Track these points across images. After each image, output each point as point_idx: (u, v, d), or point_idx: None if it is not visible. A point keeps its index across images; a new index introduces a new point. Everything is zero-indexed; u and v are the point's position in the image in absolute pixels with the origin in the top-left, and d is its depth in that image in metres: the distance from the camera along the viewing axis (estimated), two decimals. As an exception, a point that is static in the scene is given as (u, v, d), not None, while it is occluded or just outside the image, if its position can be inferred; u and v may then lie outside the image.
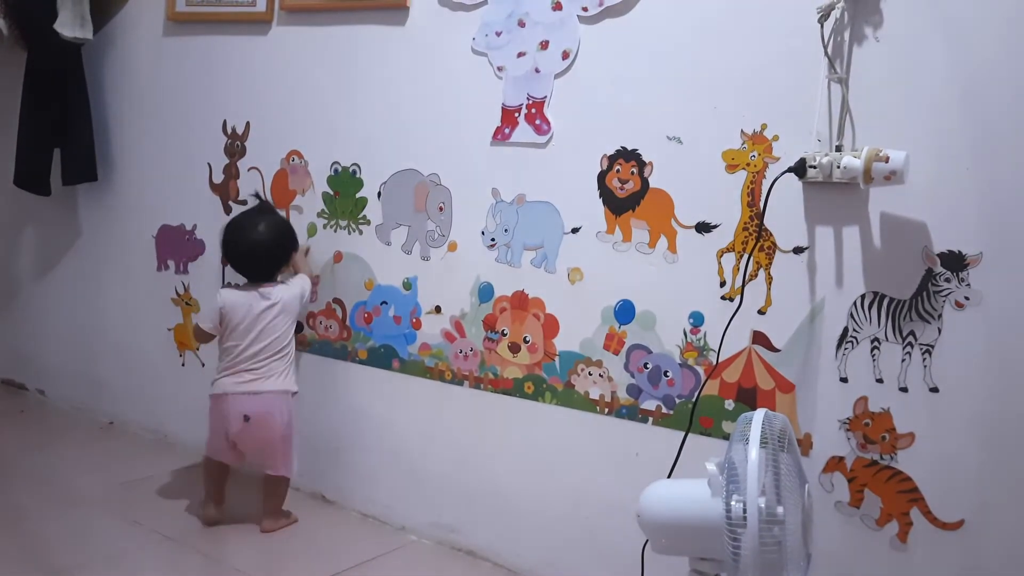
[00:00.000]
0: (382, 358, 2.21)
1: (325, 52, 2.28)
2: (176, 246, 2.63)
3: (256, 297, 2.10)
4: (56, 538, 2.02)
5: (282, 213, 2.34)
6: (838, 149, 1.58)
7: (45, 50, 2.64)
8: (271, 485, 2.15)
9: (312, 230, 2.32)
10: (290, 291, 2.15)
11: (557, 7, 1.90)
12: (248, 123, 2.44)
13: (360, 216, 2.23)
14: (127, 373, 2.79)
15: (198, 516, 2.17)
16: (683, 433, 1.71)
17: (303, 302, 2.19)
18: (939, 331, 1.52)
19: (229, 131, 2.48)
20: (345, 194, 2.26)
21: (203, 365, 2.59)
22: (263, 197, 2.33)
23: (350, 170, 2.25)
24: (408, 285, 2.16)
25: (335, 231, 2.28)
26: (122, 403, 2.81)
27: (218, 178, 2.52)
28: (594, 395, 1.89)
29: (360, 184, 2.23)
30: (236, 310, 2.10)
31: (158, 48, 2.63)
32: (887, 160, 1.46)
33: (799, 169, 1.59)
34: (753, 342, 1.71)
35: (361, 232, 2.23)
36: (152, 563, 1.95)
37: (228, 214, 2.49)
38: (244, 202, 2.44)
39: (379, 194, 2.20)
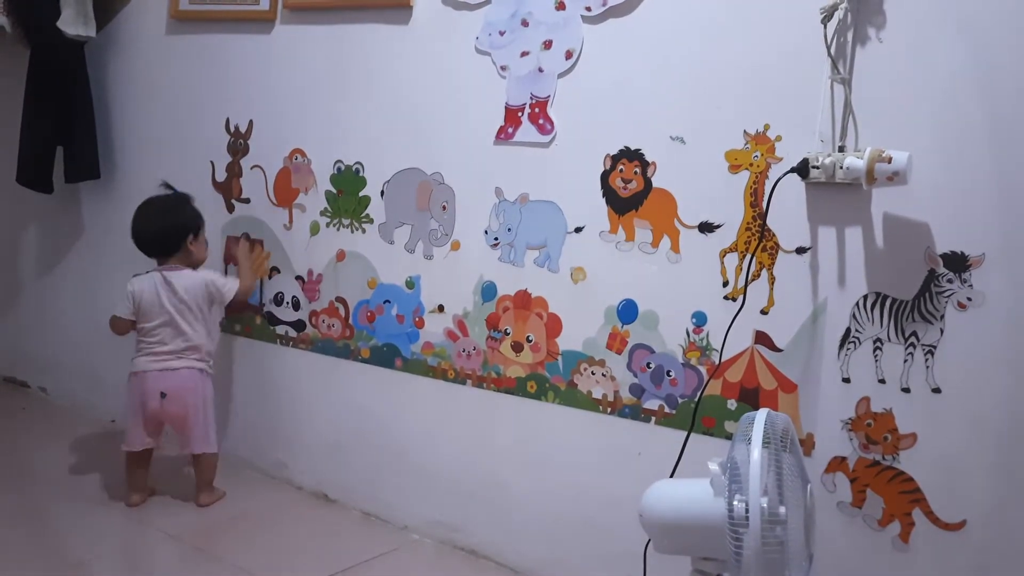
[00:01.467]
0: (385, 357, 2.21)
1: (328, 51, 2.28)
2: (179, 244, 2.63)
3: (160, 280, 2.25)
4: (59, 536, 2.02)
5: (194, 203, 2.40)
6: (841, 150, 1.58)
7: (48, 48, 2.64)
8: (199, 462, 2.26)
9: (315, 228, 2.32)
10: (192, 279, 2.26)
11: (560, 7, 1.90)
12: (251, 121, 2.45)
13: (363, 215, 2.24)
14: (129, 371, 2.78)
15: (125, 503, 2.25)
16: (685, 433, 1.71)
17: (209, 292, 2.27)
18: (941, 332, 1.52)
19: (232, 129, 2.48)
20: (348, 192, 2.26)
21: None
22: (172, 186, 2.40)
23: (353, 168, 2.25)
24: (411, 284, 2.16)
25: (338, 230, 2.28)
26: (125, 401, 2.80)
27: (221, 176, 2.52)
28: (597, 394, 1.89)
29: (363, 183, 2.23)
30: (143, 294, 2.25)
31: (161, 46, 2.63)
32: (890, 161, 1.46)
33: (802, 169, 1.59)
34: (756, 342, 1.71)
35: (364, 231, 2.24)
36: (156, 561, 1.96)
37: (231, 213, 2.50)
38: (247, 200, 2.43)
39: (382, 193, 2.20)
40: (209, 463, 2.27)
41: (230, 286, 2.31)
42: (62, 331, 2.98)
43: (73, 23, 2.57)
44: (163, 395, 2.20)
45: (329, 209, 2.30)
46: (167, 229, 2.27)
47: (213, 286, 2.28)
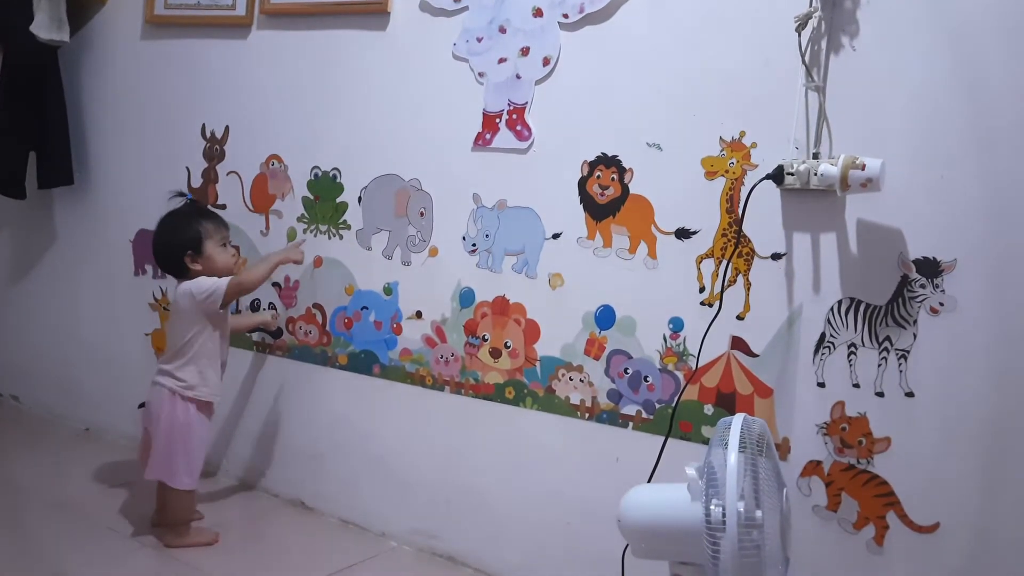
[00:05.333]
0: (363, 364, 2.21)
1: (305, 56, 2.27)
2: (154, 251, 2.61)
3: (172, 292, 2.12)
4: (31, 545, 1.99)
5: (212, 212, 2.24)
6: (815, 156, 1.60)
7: (21, 52, 2.61)
8: (161, 493, 2.08)
9: (292, 235, 2.31)
10: (185, 288, 2.03)
11: (538, 14, 1.91)
12: (227, 127, 2.43)
13: (340, 221, 2.23)
14: (104, 379, 2.76)
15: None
16: (663, 438, 1.72)
17: (195, 299, 2.00)
18: (914, 336, 1.54)
19: (208, 135, 2.47)
20: (325, 199, 2.25)
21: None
22: (185, 194, 2.28)
23: (330, 175, 2.24)
24: (389, 290, 2.16)
25: (315, 236, 2.27)
26: (99, 409, 2.78)
27: (197, 182, 2.50)
28: (575, 400, 1.90)
29: (340, 189, 2.23)
30: None
31: (136, 51, 2.61)
32: (863, 168, 1.48)
33: (777, 176, 1.61)
34: (732, 347, 1.72)
35: (341, 237, 2.23)
36: (128, 570, 1.93)
37: (207, 218, 2.48)
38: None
39: (360, 199, 2.20)
40: (172, 499, 2.04)
41: (209, 288, 2.00)
42: (35, 339, 2.94)
43: (47, 27, 2.55)
44: (141, 405, 2.12)
45: (306, 215, 2.29)
46: (162, 250, 2.09)
47: (193, 290, 2.01)
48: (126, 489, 2.36)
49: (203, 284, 2.02)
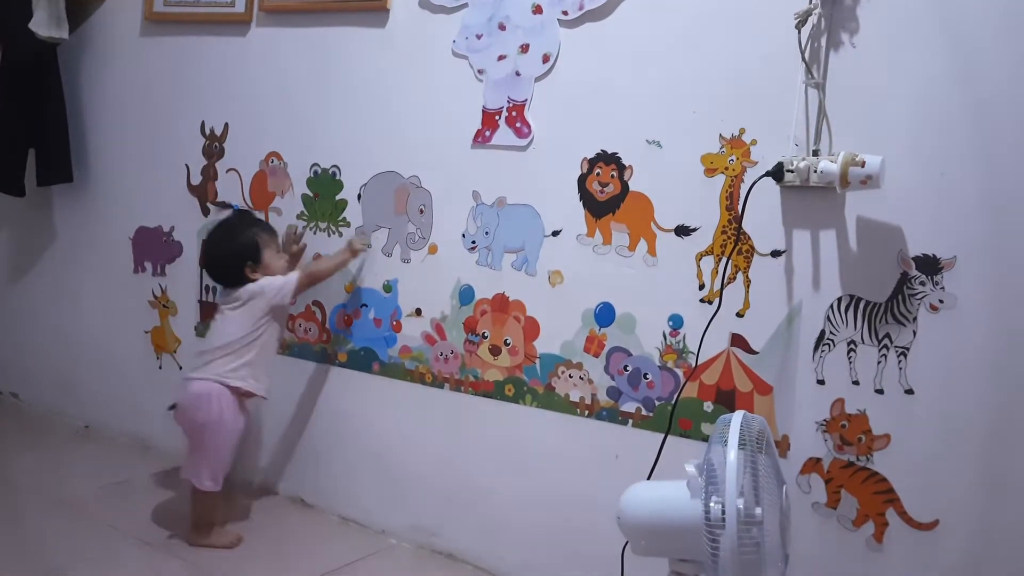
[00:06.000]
0: (362, 361, 2.20)
1: (305, 53, 2.27)
2: (153, 248, 2.61)
3: (222, 295, 2.11)
4: (31, 543, 1.99)
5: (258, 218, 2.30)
6: (815, 154, 1.60)
7: (20, 50, 2.61)
8: (193, 497, 2.06)
9: (291, 231, 2.31)
10: (253, 289, 2.04)
11: (537, 11, 1.91)
12: (227, 124, 2.43)
13: (340, 218, 2.23)
14: (103, 376, 2.76)
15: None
16: (663, 435, 1.72)
17: (267, 299, 2.03)
18: (914, 334, 1.54)
19: (207, 132, 2.46)
20: (325, 196, 2.25)
21: (180, 368, 2.57)
22: (231, 204, 2.28)
23: (330, 172, 2.24)
24: (388, 288, 2.15)
25: (314, 233, 2.27)
26: (98, 407, 2.78)
27: (196, 180, 2.50)
28: (574, 397, 1.90)
29: (340, 186, 2.22)
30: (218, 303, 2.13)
31: (135, 48, 2.60)
32: (863, 165, 1.48)
33: (777, 173, 1.61)
34: (732, 344, 1.72)
35: (341, 234, 2.23)
36: (128, 567, 1.93)
37: (206, 216, 2.48)
38: (223, 204, 2.41)
39: (359, 196, 2.19)
40: (199, 499, 2.04)
41: (280, 285, 2.05)
42: (34, 336, 2.94)
43: (46, 25, 2.54)
44: (174, 406, 2.06)
45: (306, 213, 2.29)
46: (219, 262, 2.10)
47: (268, 298, 2.03)
48: (126, 487, 2.36)
49: (274, 282, 2.06)
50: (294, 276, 2.08)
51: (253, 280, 2.06)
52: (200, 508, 2.06)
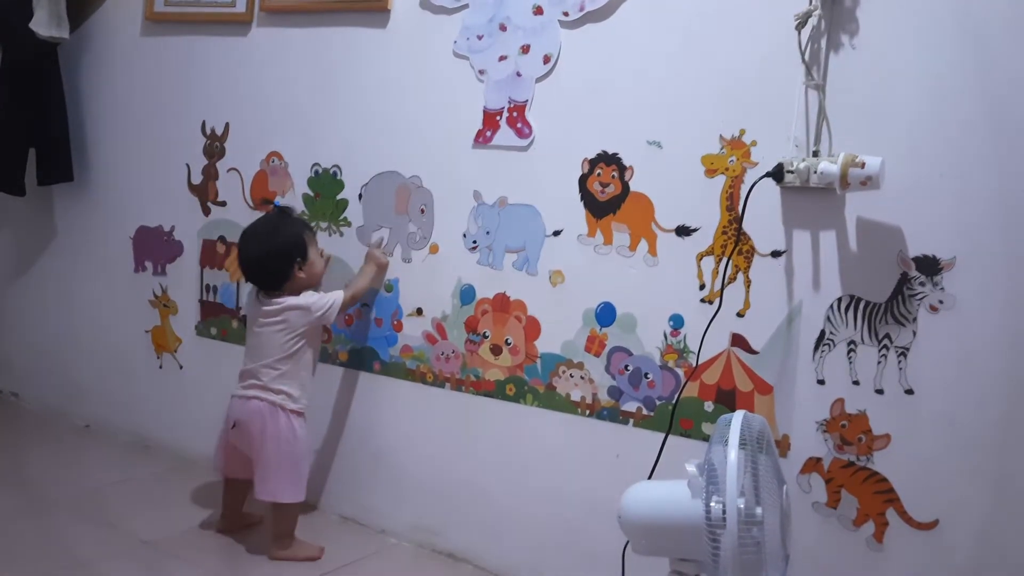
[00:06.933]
0: (363, 360, 2.21)
1: (306, 53, 2.27)
2: (154, 247, 2.61)
3: (257, 304, 2.03)
4: (31, 542, 1.99)
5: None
6: (815, 155, 1.60)
7: (20, 49, 2.60)
8: (273, 509, 2.02)
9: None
10: (297, 303, 2.00)
11: (538, 11, 1.91)
12: (227, 124, 2.43)
13: (341, 218, 2.23)
14: (104, 375, 2.76)
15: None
16: (663, 435, 1.72)
17: (312, 317, 2.00)
18: (914, 334, 1.55)
19: (208, 132, 2.46)
20: (326, 196, 2.25)
21: (181, 367, 2.57)
22: (281, 205, 2.19)
23: (331, 172, 2.24)
24: (389, 287, 2.16)
25: (315, 233, 2.26)
26: (98, 406, 2.78)
27: (196, 179, 2.50)
28: (575, 397, 1.90)
29: (341, 186, 2.23)
30: (248, 313, 2.09)
31: (136, 48, 2.61)
32: (863, 166, 1.48)
33: (777, 174, 1.61)
34: (732, 344, 1.72)
35: (342, 234, 2.23)
36: (128, 567, 1.93)
37: (207, 215, 2.48)
38: (223, 204, 2.41)
39: (360, 196, 2.20)
40: (278, 513, 2.01)
41: (329, 303, 2.01)
42: (35, 335, 2.94)
43: (46, 24, 2.54)
44: (234, 425, 2.01)
45: (307, 212, 2.29)
46: (264, 260, 2.01)
47: (312, 305, 2.00)
48: (126, 486, 2.36)
49: (323, 300, 2.02)
50: (339, 295, 2.04)
51: (299, 279, 2.01)
52: (280, 521, 2.02)
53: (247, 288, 2.13)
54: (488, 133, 1.99)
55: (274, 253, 2.00)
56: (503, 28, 1.96)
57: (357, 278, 2.12)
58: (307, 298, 2.02)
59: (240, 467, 2.05)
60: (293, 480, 2.00)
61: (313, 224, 2.26)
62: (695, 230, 1.75)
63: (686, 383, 1.76)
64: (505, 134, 1.97)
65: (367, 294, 2.15)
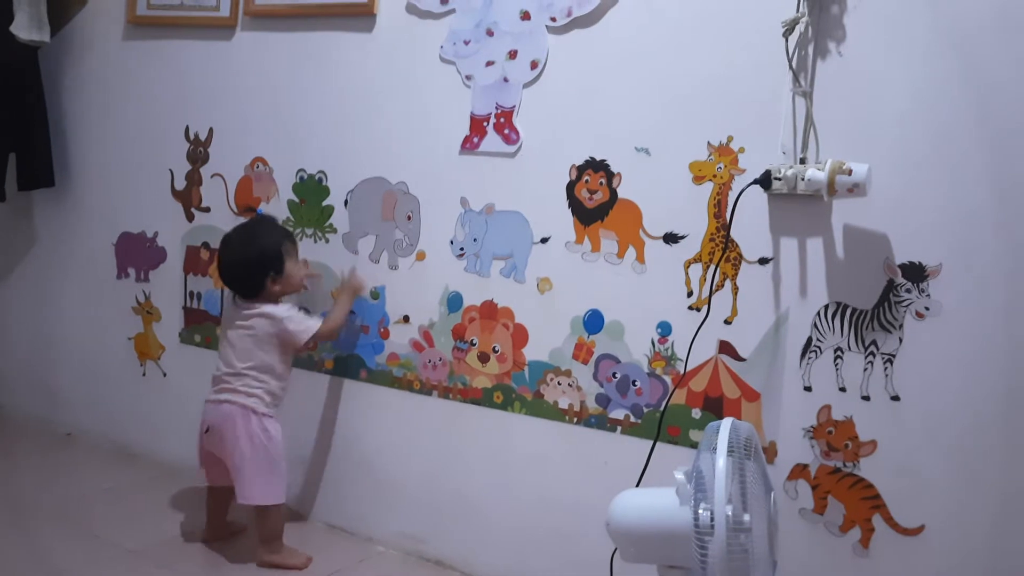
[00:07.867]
0: (349, 368, 2.19)
1: (291, 58, 2.25)
2: (137, 254, 2.58)
3: (235, 310, 2.03)
4: (12, 551, 1.96)
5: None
6: (802, 162, 1.61)
7: (0, 53, 2.57)
8: (256, 513, 2.00)
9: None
10: (272, 312, 2.00)
11: (525, 17, 1.91)
12: (211, 129, 2.41)
13: (327, 224, 2.22)
14: (86, 383, 2.73)
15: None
16: (651, 442, 1.72)
17: (282, 330, 1.99)
18: (900, 341, 1.55)
19: (192, 137, 2.44)
20: (311, 202, 2.24)
21: (164, 375, 2.55)
22: (256, 208, 2.20)
23: (316, 178, 2.23)
24: (376, 294, 2.15)
25: (301, 239, 2.25)
26: (81, 414, 2.75)
27: (180, 185, 2.48)
28: (563, 404, 1.90)
29: (326, 192, 2.21)
30: (223, 317, 2.10)
31: (118, 52, 2.58)
32: (850, 173, 1.49)
33: (764, 181, 1.62)
34: (720, 352, 1.73)
35: (328, 240, 2.22)
36: (109, 575, 1.91)
37: (191, 221, 2.46)
38: (207, 209, 2.40)
39: (346, 202, 2.19)
40: (261, 517, 1.98)
41: (303, 327, 2.00)
42: (16, 343, 2.90)
43: (26, 28, 2.52)
44: (207, 429, 2.00)
45: (292, 219, 2.27)
46: (238, 269, 2.01)
47: (283, 328, 1.99)
48: (109, 494, 2.33)
49: (299, 323, 2.00)
50: (316, 325, 2.02)
51: (273, 291, 2.01)
52: (264, 524, 1.99)
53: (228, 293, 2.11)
54: (475, 139, 1.98)
55: (249, 263, 2.00)
56: (490, 33, 1.96)
57: (334, 310, 2.09)
58: (284, 311, 2.01)
59: (220, 474, 2.03)
60: (270, 481, 1.98)
61: (298, 231, 2.25)
62: (683, 237, 1.76)
63: (674, 390, 1.77)
64: (492, 140, 1.96)
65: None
